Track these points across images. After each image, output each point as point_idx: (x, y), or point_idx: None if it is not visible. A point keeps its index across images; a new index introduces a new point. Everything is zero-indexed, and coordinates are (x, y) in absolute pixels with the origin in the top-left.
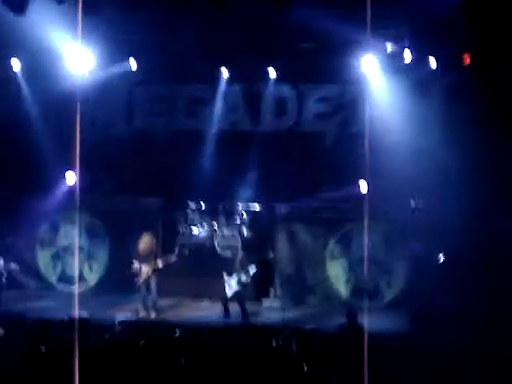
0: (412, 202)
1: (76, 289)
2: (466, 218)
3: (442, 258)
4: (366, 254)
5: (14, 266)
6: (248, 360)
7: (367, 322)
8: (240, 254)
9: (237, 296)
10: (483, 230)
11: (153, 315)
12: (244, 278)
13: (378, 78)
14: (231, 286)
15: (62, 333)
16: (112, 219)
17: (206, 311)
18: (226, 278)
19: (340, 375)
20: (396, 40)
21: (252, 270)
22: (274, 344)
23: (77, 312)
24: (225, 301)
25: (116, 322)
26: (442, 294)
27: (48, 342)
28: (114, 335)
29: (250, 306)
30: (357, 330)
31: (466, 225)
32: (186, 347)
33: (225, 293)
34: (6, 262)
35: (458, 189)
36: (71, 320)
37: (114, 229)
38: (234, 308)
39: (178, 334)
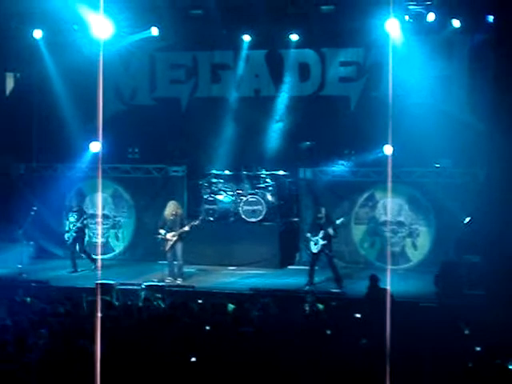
0: (437, 164)
1: (101, 257)
2: (491, 178)
3: (467, 219)
4: (390, 217)
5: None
6: (273, 325)
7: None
8: None
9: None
10: (508, 190)
11: (179, 282)
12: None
13: (401, 40)
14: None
15: (88, 300)
16: (137, 187)
17: (232, 277)
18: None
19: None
20: (419, 0)
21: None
22: (300, 308)
23: (103, 280)
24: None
25: (142, 289)
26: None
27: (73, 309)
28: (140, 302)
29: (277, 271)
30: (380, 293)
31: (491, 185)
32: (211, 313)
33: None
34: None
35: (482, 150)
36: (97, 288)
37: (139, 197)
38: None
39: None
